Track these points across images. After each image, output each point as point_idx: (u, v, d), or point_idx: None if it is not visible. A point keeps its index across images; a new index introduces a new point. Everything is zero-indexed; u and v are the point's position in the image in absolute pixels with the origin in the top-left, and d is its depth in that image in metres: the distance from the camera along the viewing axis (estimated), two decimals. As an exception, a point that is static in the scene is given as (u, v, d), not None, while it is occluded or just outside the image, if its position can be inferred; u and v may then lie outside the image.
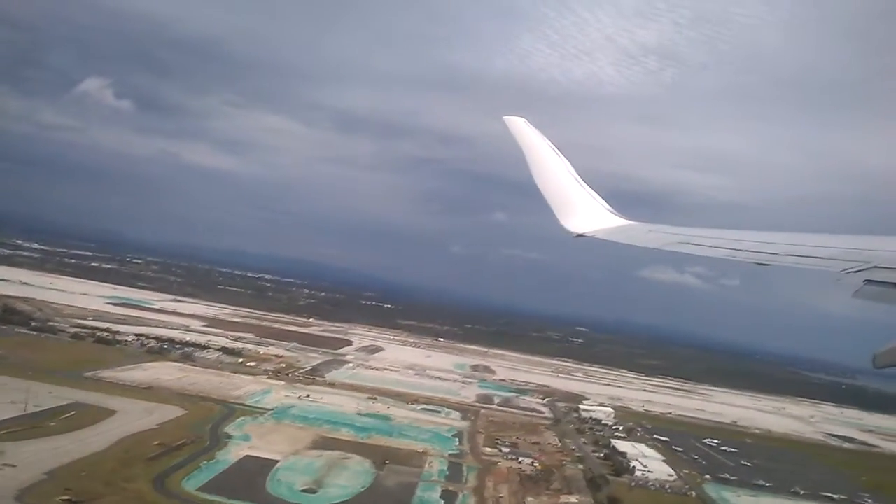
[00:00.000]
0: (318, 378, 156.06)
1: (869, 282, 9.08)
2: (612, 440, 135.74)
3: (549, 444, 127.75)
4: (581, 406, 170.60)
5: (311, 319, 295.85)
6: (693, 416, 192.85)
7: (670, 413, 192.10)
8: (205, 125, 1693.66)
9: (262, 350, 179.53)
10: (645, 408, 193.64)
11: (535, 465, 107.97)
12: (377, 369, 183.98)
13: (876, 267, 9.64)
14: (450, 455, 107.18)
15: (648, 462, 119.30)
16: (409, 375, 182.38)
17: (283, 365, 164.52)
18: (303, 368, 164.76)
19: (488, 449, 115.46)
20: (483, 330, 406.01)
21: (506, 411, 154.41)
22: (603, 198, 21.38)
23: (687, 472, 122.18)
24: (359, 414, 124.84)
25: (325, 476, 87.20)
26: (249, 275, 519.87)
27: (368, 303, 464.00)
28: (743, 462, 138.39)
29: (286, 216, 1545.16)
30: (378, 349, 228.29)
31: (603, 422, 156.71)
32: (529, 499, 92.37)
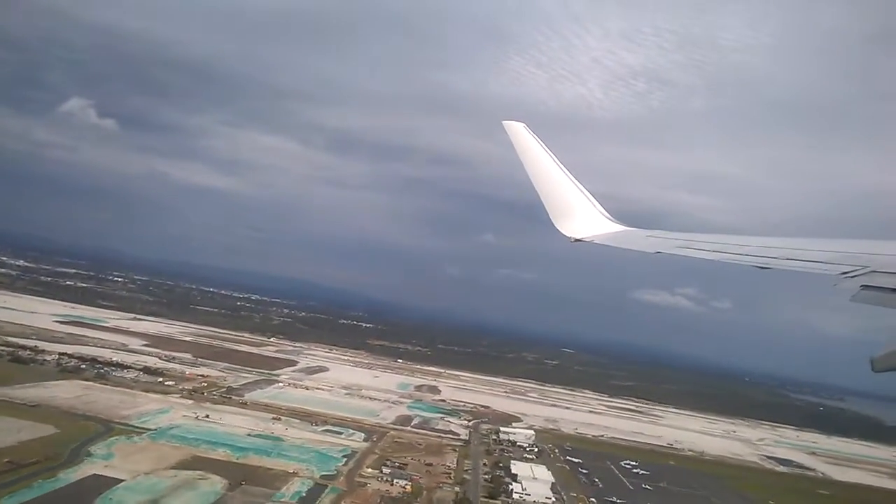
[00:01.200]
0: (233, 398, 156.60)
1: (866, 286, 9.17)
2: (513, 462, 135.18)
3: (443, 465, 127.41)
4: (503, 428, 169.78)
5: (271, 339, 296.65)
6: (627, 439, 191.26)
7: (603, 435, 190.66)
8: (201, 144, 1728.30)
9: (189, 370, 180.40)
10: (578, 430, 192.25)
11: (407, 487, 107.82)
12: (306, 389, 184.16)
13: (873, 271, 9.72)
14: (321, 476, 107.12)
15: (533, 484, 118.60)
16: (337, 396, 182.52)
17: (205, 385, 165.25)
18: (223, 388, 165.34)
19: (370, 470, 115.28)
20: (457, 350, 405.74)
21: (418, 433, 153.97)
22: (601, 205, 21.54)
23: (574, 494, 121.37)
24: (249, 434, 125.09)
25: (165, 496, 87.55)
26: (236, 294, 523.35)
27: (348, 322, 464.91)
28: (645, 485, 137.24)
29: (282, 235, 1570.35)
30: (322, 369, 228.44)
31: (518, 444, 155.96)
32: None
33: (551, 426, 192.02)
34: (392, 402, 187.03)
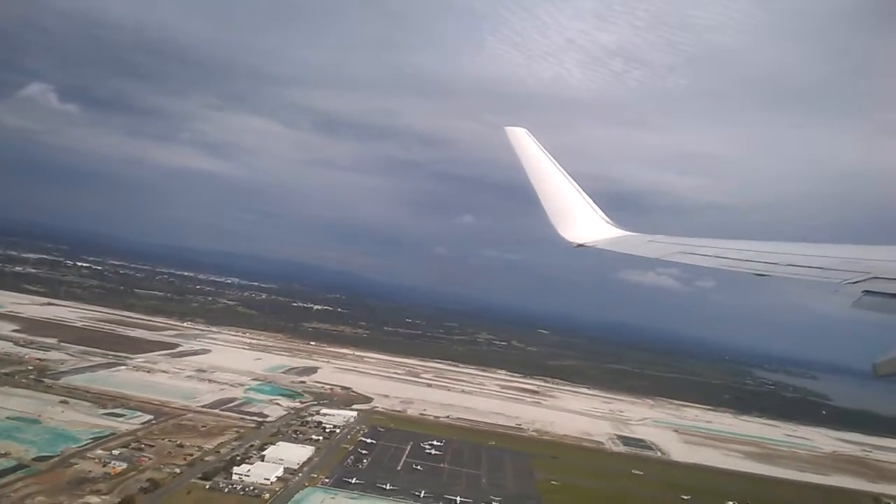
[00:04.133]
0: (44, 381, 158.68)
1: (868, 292, 9.46)
2: (278, 443, 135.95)
3: (199, 447, 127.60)
4: (323, 410, 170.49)
5: (185, 323, 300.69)
6: (474, 419, 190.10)
7: (449, 416, 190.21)
8: (186, 128, 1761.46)
9: (33, 354, 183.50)
10: (426, 410, 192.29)
11: (115, 468, 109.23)
12: (147, 373, 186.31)
13: (874, 277, 9.99)
14: (33, 458, 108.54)
15: (266, 466, 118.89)
16: (176, 379, 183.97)
17: (31, 368, 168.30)
18: (49, 371, 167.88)
19: (100, 452, 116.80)
20: (400, 333, 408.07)
21: (220, 415, 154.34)
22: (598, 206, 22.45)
23: (315, 475, 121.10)
24: (8, 417, 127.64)
25: None
26: (213, 278, 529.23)
27: (299, 304, 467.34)
28: (417, 466, 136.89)
29: (271, 217, 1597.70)
30: (202, 352, 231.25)
31: (323, 424, 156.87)
32: (39, 498, 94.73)
33: (398, 407, 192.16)
34: (234, 385, 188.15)
